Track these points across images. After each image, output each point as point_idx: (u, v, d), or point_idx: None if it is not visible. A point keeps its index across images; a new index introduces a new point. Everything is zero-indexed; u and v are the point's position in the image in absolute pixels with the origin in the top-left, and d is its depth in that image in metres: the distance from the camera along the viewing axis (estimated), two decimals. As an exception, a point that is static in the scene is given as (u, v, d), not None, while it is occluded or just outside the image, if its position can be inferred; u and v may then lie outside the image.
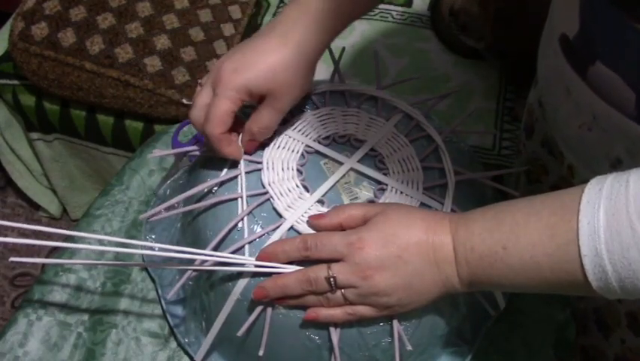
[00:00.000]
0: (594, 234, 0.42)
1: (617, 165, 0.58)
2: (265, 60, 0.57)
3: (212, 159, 0.62)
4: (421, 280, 0.50)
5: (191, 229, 0.62)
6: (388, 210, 0.53)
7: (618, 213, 0.42)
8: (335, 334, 0.54)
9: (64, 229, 1.48)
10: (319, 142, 0.64)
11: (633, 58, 0.51)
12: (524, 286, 0.49)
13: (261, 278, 0.55)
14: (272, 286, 0.53)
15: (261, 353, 0.54)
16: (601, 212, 0.42)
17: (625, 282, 0.42)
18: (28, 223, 0.50)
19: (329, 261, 0.51)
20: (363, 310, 0.52)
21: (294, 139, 0.63)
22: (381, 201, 0.60)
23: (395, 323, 0.54)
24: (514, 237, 0.47)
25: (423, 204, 0.60)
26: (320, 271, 0.51)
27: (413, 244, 0.50)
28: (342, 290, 0.51)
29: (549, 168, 0.73)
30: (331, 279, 0.51)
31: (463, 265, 0.50)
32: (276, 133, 0.63)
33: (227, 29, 1.22)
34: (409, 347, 0.54)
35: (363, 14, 0.65)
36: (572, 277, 0.44)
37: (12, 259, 0.58)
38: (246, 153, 0.61)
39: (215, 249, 0.57)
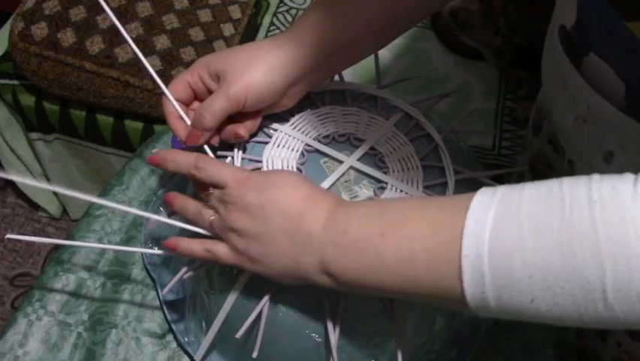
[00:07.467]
0: (479, 234, 0.39)
1: (609, 158, 0.58)
2: (241, 49, 0.58)
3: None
4: (272, 241, 0.49)
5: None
6: (289, 171, 0.55)
7: (508, 214, 0.39)
8: (333, 333, 0.54)
9: (64, 229, 1.48)
10: (319, 141, 0.64)
11: (623, 50, 0.51)
12: (389, 287, 0.45)
13: None
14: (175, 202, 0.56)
15: (254, 355, 0.54)
16: (490, 212, 0.40)
17: (501, 291, 0.39)
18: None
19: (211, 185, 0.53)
20: (220, 249, 0.51)
21: (293, 138, 0.63)
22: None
23: (394, 324, 0.54)
24: (396, 225, 0.44)
25: (423, 204, 0.60)
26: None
27: (283, 204, 0.49)
28: (211, 217, 0.52)
29: (554, 165, 0.73)
30: (211, 190, 0.52)
31: (327, 248, 0.46)
32: (276, 132, 0.63)
33: (227, 29, 1.22)
34: (408, 348, 0.54)
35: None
36: (446, 283, 0.41)
37: (8, 235, 0.59)
38: (186, 143, 0.59)
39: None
